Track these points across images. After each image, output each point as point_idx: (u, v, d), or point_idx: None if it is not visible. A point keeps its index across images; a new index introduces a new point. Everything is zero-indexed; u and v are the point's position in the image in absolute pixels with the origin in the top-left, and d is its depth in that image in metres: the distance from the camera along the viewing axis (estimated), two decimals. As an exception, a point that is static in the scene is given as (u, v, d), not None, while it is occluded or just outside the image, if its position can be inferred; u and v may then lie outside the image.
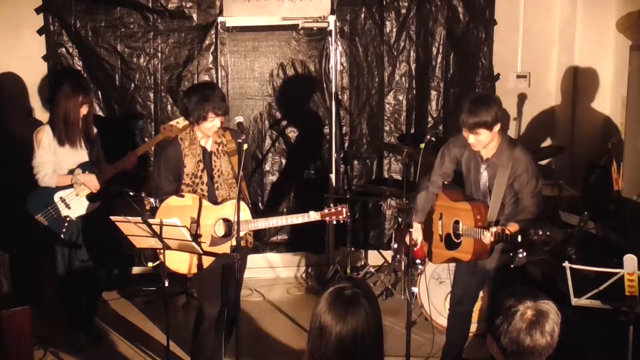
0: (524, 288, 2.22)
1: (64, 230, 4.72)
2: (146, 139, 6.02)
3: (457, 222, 4.10)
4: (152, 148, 5.51)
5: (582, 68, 6.16)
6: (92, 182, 4.75)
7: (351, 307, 2.09)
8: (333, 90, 6.25)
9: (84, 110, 4.74)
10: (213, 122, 3.96)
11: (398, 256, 5.63)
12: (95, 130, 4.92)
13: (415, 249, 4.24)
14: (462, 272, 4.27)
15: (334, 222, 4.10)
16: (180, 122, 4.54)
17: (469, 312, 4.34)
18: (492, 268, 4.06)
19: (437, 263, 4.44)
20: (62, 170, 4.74)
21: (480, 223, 3.94)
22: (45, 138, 4.69)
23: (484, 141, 3.89)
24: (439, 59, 6.32)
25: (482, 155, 4.01)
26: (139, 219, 3.77)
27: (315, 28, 6.17)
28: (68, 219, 4.74)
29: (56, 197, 4.73)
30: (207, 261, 4.00)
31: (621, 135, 5.81)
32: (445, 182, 4.29)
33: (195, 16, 6.05)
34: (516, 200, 3.99)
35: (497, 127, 3.86)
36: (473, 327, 4.96)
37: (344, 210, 4.05)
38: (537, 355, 2.12)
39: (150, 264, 4.59)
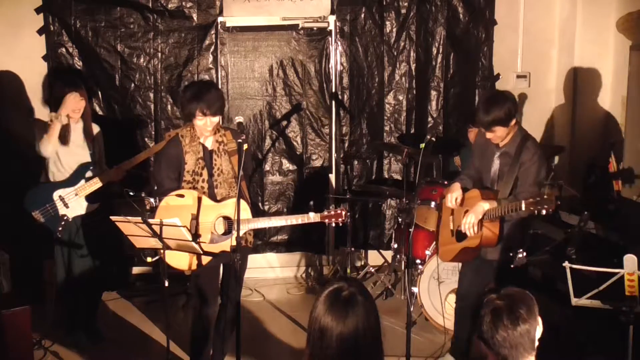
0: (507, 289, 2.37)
1: (60, 229, 4.71)
2: (146, 139, 6.03)
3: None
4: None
5: (582, 68, 6.15)
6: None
7: (350, 307, 2.10)
8: (333, 90, 6.25)
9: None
10: (203, 121, 3.97)
11: (398, 256, 5.63)
12: (98, 129, 4.91)
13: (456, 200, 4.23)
14: (468, 269, 4.34)
15: (333, 225, 4.14)
16: None
17: (474, 307, 4.39)
18: (493, 259, 4.12)
19: (447, 260, 4.48)
20: (64, 169, 4.73)
21: None
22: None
23: (502, 136, 4.07)
24: (439, 59, 6.32)
25: (499, 143, 4.15)
26: (139, 219, 3.77)
27: (315, 28, 6.17)
28: (65, 217, 4.72)
29: (55, 196, 4.71)
30: (206, 259, 4.00)
31: (621, 135, 5.80)
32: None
33: (195, 16, 6.05)
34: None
35: (512, 122, 4.03)
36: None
37: (343, 212, 4.11)
38: (514, 346, 2.23)
39: (149, 259, 4.58)
